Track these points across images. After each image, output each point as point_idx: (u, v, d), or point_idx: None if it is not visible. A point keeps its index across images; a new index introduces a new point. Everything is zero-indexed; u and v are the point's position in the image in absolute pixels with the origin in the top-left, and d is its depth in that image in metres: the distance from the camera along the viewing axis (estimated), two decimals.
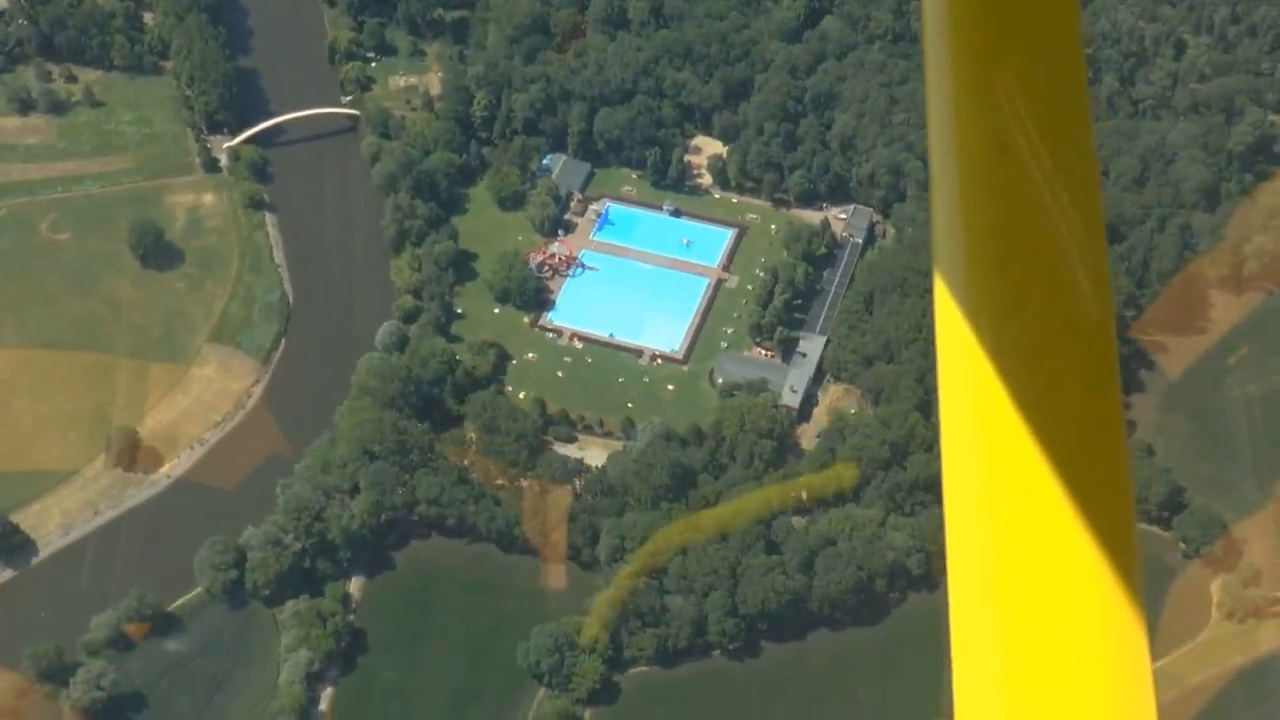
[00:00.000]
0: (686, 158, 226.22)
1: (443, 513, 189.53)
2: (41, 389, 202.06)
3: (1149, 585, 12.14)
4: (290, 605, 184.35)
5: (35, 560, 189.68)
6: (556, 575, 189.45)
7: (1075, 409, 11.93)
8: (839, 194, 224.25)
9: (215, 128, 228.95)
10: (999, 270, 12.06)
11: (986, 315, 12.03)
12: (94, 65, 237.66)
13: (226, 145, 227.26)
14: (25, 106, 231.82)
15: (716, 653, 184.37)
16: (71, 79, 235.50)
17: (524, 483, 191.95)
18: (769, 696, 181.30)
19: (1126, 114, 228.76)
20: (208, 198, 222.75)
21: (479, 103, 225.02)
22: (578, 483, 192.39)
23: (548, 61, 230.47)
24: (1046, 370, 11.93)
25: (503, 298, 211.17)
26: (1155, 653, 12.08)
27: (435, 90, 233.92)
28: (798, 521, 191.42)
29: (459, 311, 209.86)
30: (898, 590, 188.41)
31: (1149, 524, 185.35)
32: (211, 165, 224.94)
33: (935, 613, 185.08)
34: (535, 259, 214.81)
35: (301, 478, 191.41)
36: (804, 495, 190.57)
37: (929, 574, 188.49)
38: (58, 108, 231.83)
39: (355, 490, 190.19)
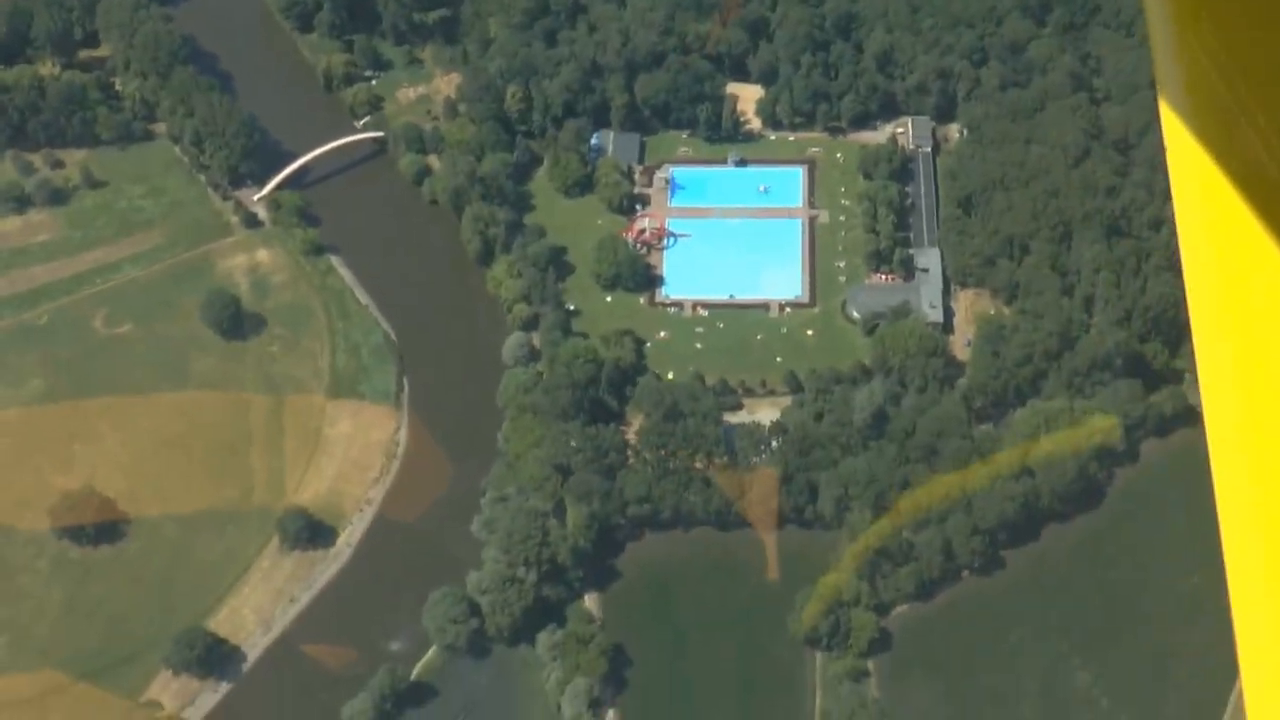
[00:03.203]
0: (726, 105, 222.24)
1: (655, 508, 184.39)
2: (174, 491, 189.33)
3: None
4: (544, 639, 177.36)
5: (247, 666, 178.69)
6: (785, 540, 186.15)
7: None
8: (888, 110, 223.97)
9: (238, 182, 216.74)
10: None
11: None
12: (78, 144, 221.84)
13: (258, 198, 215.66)
14: (20, 204, 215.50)
15: (965, 573, 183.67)
16: (58, 164, 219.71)
17: (721, 459, 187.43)
18: (1027, 601, 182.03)
19: None
20: (262, 254, 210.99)
21: (513, 96, 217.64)
22: (775, 444, 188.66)
23: (572, 40, 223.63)
24: None
25: (611, 284, 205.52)
26: None
27: (445, 95, 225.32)
28: (988, 429, 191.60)
29: (572, 309, 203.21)
30: (1105, 470, 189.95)
31: None
32: (252, 221, 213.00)
33: (1145, 486, 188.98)
34: (629, 238, 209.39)
35: (498, 509, 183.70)
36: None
37: (1130, 449, 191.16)
38: (56, 197, 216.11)
39: (559, 508, 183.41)
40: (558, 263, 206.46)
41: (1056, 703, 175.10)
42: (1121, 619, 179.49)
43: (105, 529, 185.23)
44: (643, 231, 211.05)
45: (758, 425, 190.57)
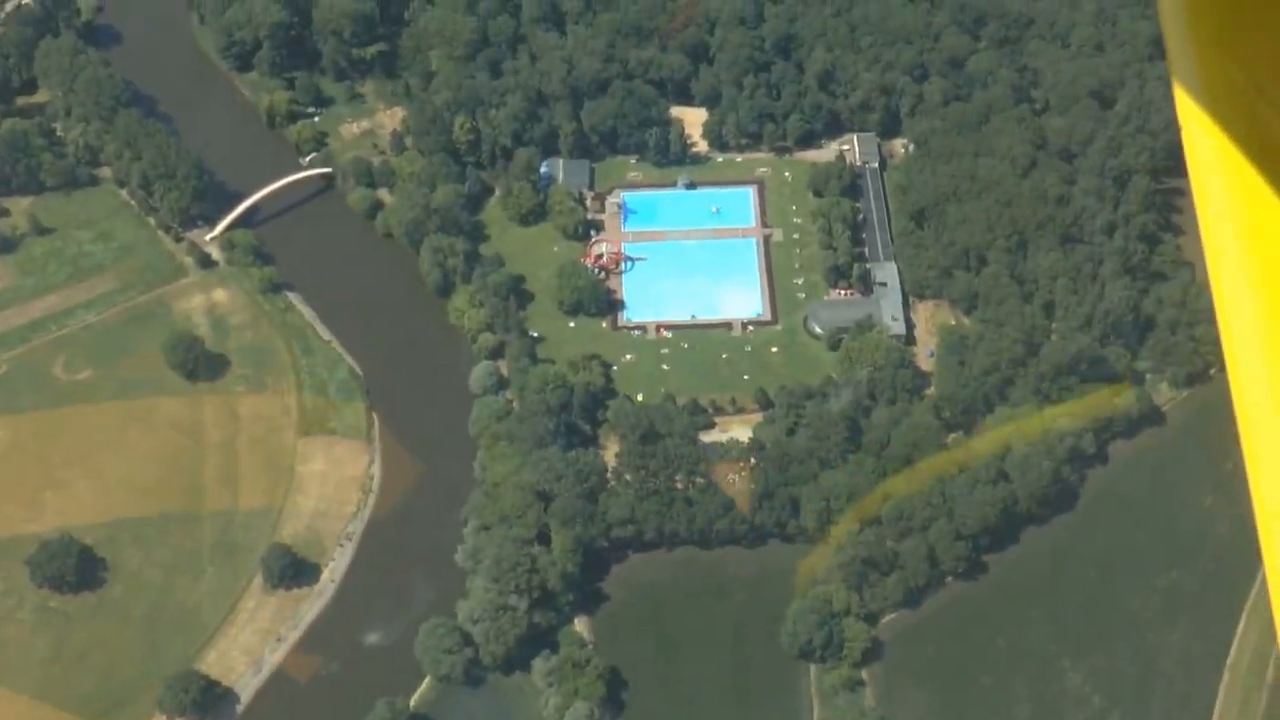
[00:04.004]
0: (673, 129, 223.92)
1: (639, 529, 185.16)
2: (151, 535, 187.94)
3: None
4: (539, 665, 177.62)
5: (241, 708, 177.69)
6: (769, 555, 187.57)
7: None
8: (833, 128, 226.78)
9: (188, 223, 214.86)
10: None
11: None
12: (22, 192, 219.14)
13: (210, 238, 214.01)
14: None
15: (949, 579, 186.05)
16: (3, 212, 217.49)
17: (702, 478, 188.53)
18: (1012, 605, 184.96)
19: None
20: (219, 295, 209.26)
21: (461, 127, 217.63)
22: (752, 461, 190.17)
23: (516, 70, 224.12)
24: None
25: (573, 310, 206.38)
26: None
27: (390, 129, 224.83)
28: (960, 437, 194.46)
29: (536, 335, 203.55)
30: (1077, 472, 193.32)
31: None
32: (205, 261, 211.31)
33: (1116, 486, 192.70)
34: (587, 263, 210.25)
35: (482, 538, 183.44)
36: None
37: (1100, 451, 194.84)
38: (4, 245, 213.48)
39: (544, 534, 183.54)
40: (517, 291, 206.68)
41: (1050, 703, 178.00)
42: (1105, 617, 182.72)
43: (85, 576, 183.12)
44: (600, 256, 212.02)
45: (735, 442, 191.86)
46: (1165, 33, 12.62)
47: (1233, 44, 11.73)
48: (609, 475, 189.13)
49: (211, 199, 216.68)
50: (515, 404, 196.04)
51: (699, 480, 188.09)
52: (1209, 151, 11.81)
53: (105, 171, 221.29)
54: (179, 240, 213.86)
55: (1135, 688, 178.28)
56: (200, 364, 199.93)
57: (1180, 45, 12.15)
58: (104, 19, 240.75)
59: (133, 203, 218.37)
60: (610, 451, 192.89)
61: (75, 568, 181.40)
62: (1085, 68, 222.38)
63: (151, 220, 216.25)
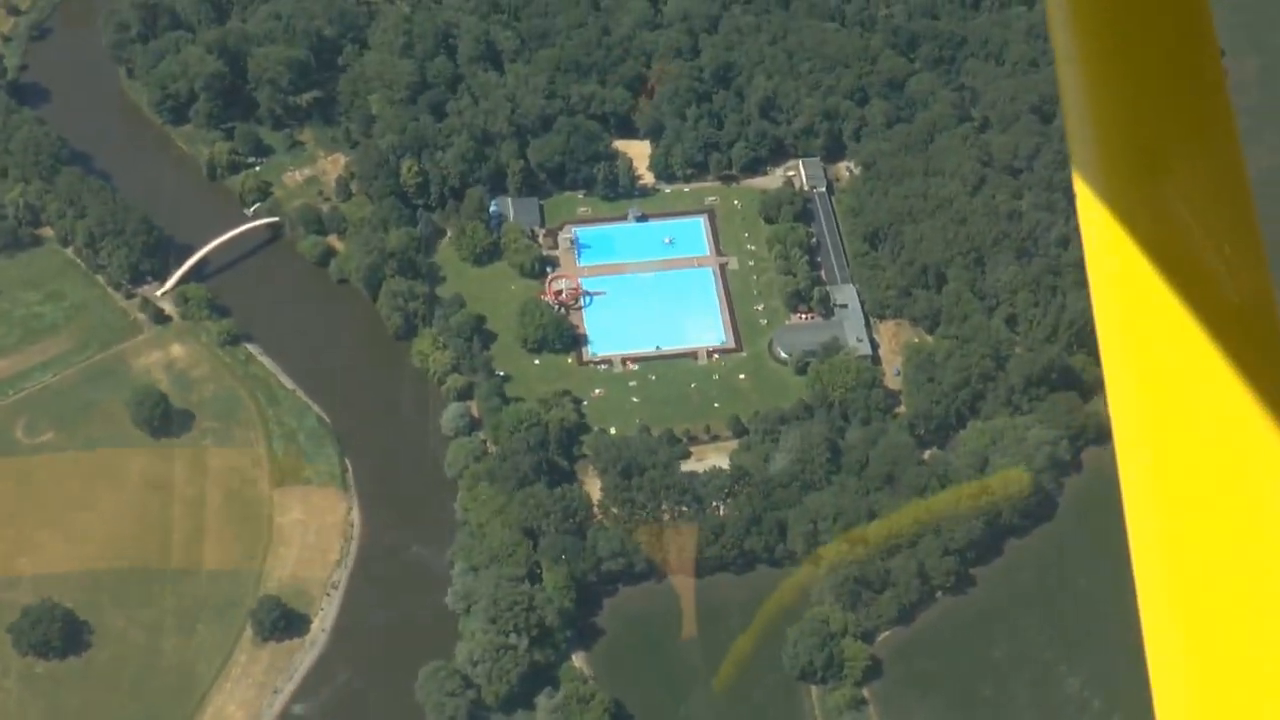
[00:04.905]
0: (620, 162, 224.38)
1: (629, 562, 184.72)
2: (133, 595, 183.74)
3: None
4: (543, 703, 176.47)
5: None
6: (759, 580, 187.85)
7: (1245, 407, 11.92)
8: (777, 155, 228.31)
9: (139, 279, 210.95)
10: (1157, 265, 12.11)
11: (1149, 318, 11.96)
12: None
13: (161, 293, 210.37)
14: None
15: (939, 594, 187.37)
16: None
17: (685, 507, 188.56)
18: (1004, 615, 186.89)
19: None
20: (176, 350, 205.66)
21: (409, 170, 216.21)
22: (736, 488, 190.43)
23: (459, 111, 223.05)
24: (1212, 365, 11.78)
25: (537, 347, 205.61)
26: None
27: (335, 175, 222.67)
28: (937, 453, 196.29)
29: (502, 375, 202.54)
30: (1054, 481, 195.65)
31: None
32: (160, 317, 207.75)
33: (1092, 492, 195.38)
34: (549, 300, 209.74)
35: (472, 580, 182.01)
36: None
37: (1074, 458, 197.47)
38: None
39: (534, 572, 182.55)
40: (480, 331, 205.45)
41: (1052, 710, 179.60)
42: (1096, 622, 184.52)
43: (70, 640, 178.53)
44: (560, 292, 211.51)
45: (719, 470, 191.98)
46: (1064, 111, 12.74)
47: (1133, 125, 11.80)
48: (595, 509, 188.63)
49: (159, 254, 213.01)
50: (490, 444, 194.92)
51: (684, 509, 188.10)
52: (1103, 230, 11.70)
53: (47, 231, 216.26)
54: (130, 297, 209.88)
55: (1134, 689, 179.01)
56: (165, 419, 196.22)
57: (1079, 125, 12.14)
58: (29, 76, 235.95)
59: (79, 261, 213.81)
60: (590, 486, 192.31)
61: (60, 632, 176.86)
62: (1023, 84, 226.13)
63: (100, 278, 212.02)
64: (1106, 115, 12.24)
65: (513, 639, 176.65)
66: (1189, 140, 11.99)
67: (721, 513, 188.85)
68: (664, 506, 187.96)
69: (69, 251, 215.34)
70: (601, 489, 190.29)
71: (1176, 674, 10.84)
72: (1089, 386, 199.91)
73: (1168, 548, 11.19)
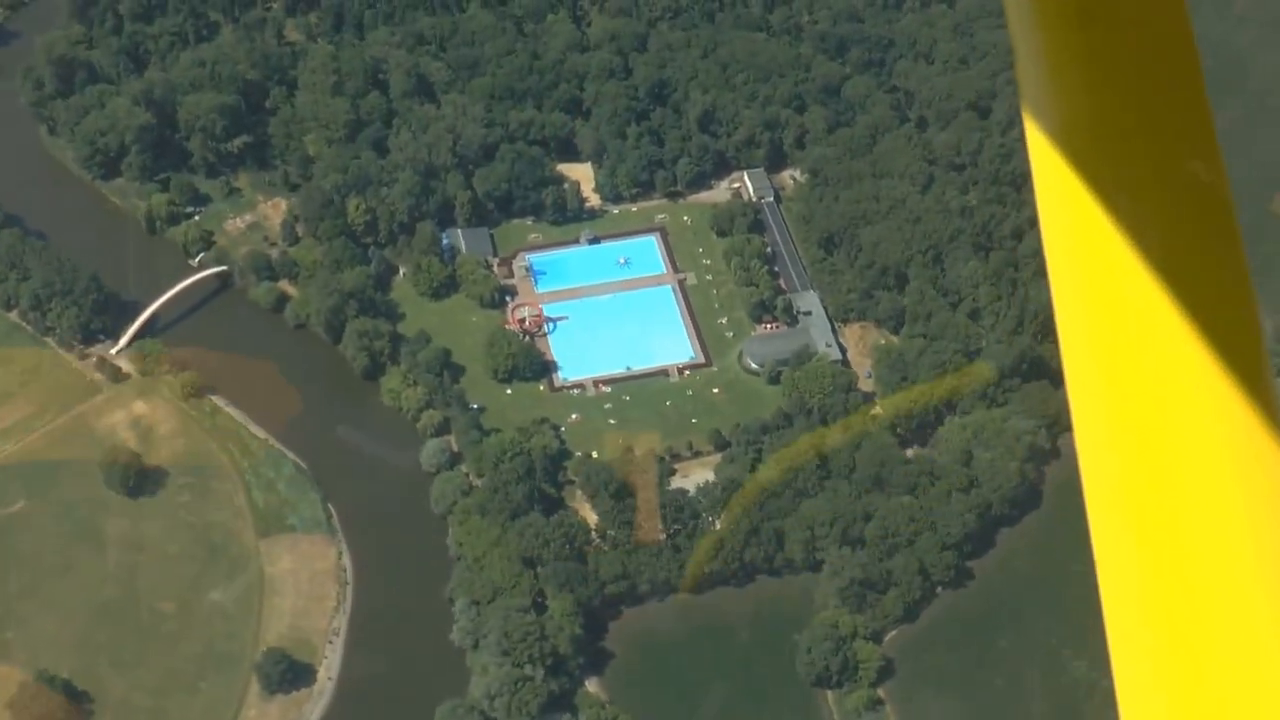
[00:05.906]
0: (567, 186, 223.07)
1: (632, 584, 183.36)
2: (131, 659, 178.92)
3: None
4: None
5: None
6: (760, 590, 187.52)
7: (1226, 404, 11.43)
8: (721, 168, 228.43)
9: (90, 338, 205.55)
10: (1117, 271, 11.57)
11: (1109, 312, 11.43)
12: None
13: (115, 351, 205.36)
14: None
15: (940, 590, 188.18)
16: None
17: (679, 525, 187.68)
18: (1004, 606, 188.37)
19: None
20: (139, 407, 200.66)
21: (356, 209, 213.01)
22: (728, 502, 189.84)
23: (401, 146, 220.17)
24: (1190, 359, 11.18)
25: (508, 377, 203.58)
26: None
27: (278, 219, 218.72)
28: (920, 451, 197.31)
29: (476, 407, 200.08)
30: (1037, 471, 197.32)
31: None
32: (117, 375, 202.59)
33: (1073, 477, 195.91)
34: (513, 328, 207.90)
35: (476, 615, 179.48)
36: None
37: (1053, 445, 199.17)
38: None
39: (537, 601, 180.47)
40: (448, 364, 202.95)
41: (1063, 693, 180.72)
42: (1095, 605, 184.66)
43: (73, 713, 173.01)
44: (523, 320, 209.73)
45: (712, 485, 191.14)
46: (1018, 75, 11.89)
47: (1089, 84, 11.10)
48: (593, 534, 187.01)
49: (109, 311, 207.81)
50: (473, 477, 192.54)
51: (681, 527, 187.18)
52: (1060, 212, 11.12)
53: None
54: (84, 358, 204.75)
55: None
56: (139, 478, 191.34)
57: (1033, 84, 11.37)
58: None
59: (25, 325, 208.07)
60: (581, 511, 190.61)
61: (62, 705, 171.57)
62: (956, 82, 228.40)
63: (50, 340, 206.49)
64: (1064, 90, 11.15)
65: (528, 670, 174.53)
66: (1157, 111, 11.02)
67: (718, 526, 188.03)
68: (660, 526, 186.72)
69: (13, 315, 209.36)
70: (596, 513, 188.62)
71: (1142, 673, 10.22)
72: (1059, 374, 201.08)
73: (1130, 540, 10.47)
